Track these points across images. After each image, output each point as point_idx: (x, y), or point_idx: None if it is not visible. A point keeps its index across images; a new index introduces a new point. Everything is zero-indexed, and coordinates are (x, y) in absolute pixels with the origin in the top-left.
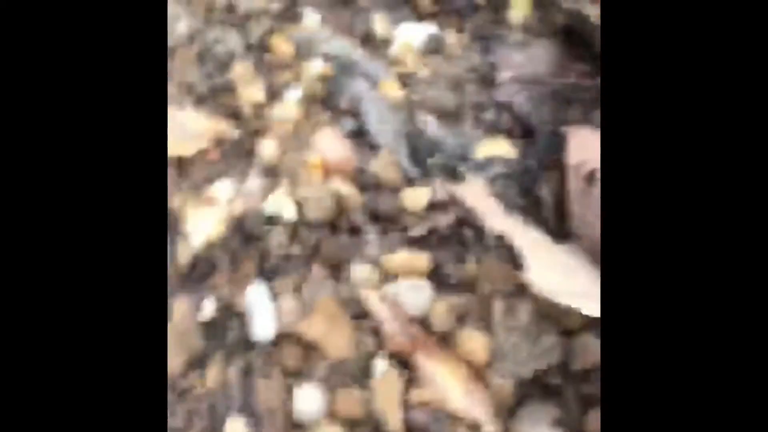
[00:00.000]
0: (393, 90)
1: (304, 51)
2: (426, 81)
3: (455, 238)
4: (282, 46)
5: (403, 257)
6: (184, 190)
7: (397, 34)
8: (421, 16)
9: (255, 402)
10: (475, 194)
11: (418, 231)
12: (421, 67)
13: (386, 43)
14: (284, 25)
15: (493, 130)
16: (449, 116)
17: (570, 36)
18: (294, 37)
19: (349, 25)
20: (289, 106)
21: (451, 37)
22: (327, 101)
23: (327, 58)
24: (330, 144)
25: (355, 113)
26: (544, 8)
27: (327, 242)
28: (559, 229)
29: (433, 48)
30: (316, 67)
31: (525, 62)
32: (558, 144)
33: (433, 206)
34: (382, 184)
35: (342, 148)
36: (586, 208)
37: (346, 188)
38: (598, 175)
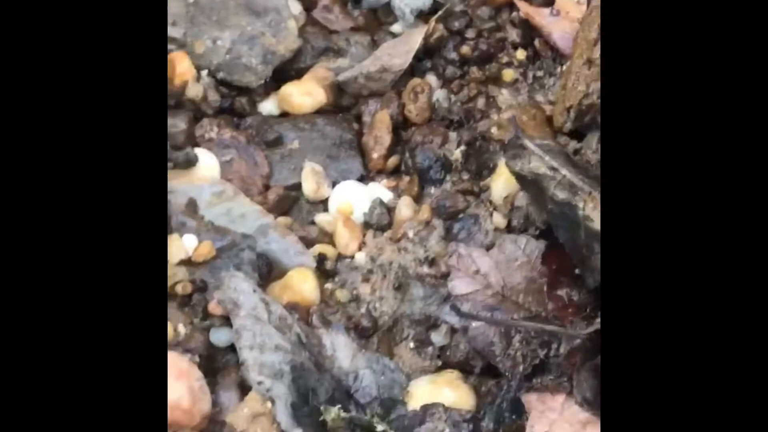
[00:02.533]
0: (303, 281)
1: (178, 222)
2: (356, 270)
3: None
4: None
5: None
6: None
7: (335, 194)
8: (370, 174)
9: None
10: None
11: None
12: (354, 248)
13: (314, 208)
14: None
15: (439, 362)
16: (378, 334)
17: (555, 244)
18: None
19: (265, 176)
20: None
21: (406, 208)
22: (189, 302)
23: (211, 229)
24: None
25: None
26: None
27: None
28: None
29: (377, 221)
30: (188, 243)
31: (492, 268)
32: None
33: None
34: None
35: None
36: None
37: None
38: None
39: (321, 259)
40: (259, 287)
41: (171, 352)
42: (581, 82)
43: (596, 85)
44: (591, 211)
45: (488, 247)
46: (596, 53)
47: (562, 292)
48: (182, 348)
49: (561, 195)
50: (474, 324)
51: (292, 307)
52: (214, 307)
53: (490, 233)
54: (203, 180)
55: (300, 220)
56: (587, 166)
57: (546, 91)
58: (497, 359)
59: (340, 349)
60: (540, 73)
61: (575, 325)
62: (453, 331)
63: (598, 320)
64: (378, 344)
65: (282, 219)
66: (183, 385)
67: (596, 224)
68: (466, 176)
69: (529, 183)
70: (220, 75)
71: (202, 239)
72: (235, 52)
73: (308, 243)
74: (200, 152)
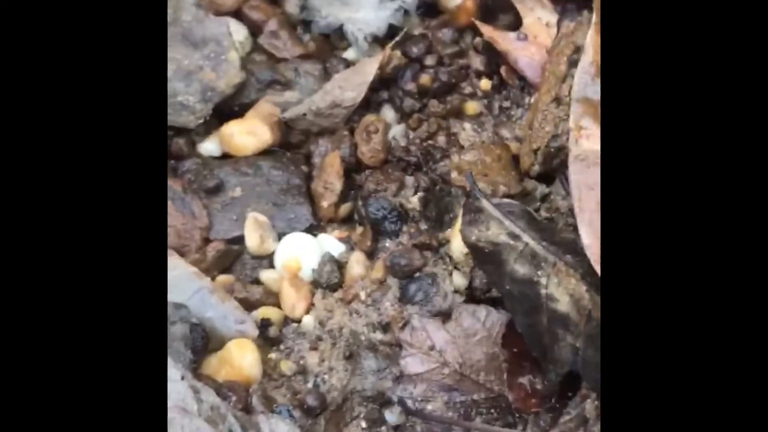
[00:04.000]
0: (243, 355)
1: None
2: (303, 336)
3: None
4: None
5: None
6: None
7: (281, 248)
8: (320, 223)
9: None
10: None
11: None
12: (301, 310)
13: (258, 264)
14: None
15: None
16: (325, 413)
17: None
18: None
19: (204, 229)
20: None
21: (358, 265)
22: None
23: None
24: None
25: None
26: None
27: None
28: None
29: (327, 280)
30: None
31: (449, 344)
32: None
33: None
34: None
35: None
36: None
37: None
38: None
39: (264, 324)
40: (192, 364)
41: None
42: (549, 122)
43: (566, 125)
44: (555, 288)
45: (446, 314)
46: (565, 90)
47: (524, 380)
48: None
49: (522, 270)
50: (429, 406)
51: (229, 388)
52: None
53: (449, 295)
54: None
55: (243, 277)
56: (553, 227)
57: (513, 125)
58: None
59: None
60: (506, 104)
61: (540, 419)
62: (408, 410)
63: (566, 417)
64: (326, 425)
65: (222, 278)
66: None
67: (561, 305)
68: (424, 226)
69: (486, 257)
70: None
71: None
72: (171, 89)
73: (251, 305)
74: None
